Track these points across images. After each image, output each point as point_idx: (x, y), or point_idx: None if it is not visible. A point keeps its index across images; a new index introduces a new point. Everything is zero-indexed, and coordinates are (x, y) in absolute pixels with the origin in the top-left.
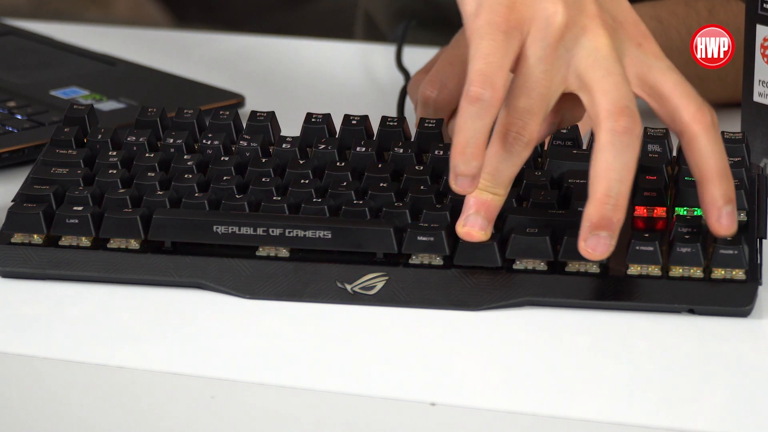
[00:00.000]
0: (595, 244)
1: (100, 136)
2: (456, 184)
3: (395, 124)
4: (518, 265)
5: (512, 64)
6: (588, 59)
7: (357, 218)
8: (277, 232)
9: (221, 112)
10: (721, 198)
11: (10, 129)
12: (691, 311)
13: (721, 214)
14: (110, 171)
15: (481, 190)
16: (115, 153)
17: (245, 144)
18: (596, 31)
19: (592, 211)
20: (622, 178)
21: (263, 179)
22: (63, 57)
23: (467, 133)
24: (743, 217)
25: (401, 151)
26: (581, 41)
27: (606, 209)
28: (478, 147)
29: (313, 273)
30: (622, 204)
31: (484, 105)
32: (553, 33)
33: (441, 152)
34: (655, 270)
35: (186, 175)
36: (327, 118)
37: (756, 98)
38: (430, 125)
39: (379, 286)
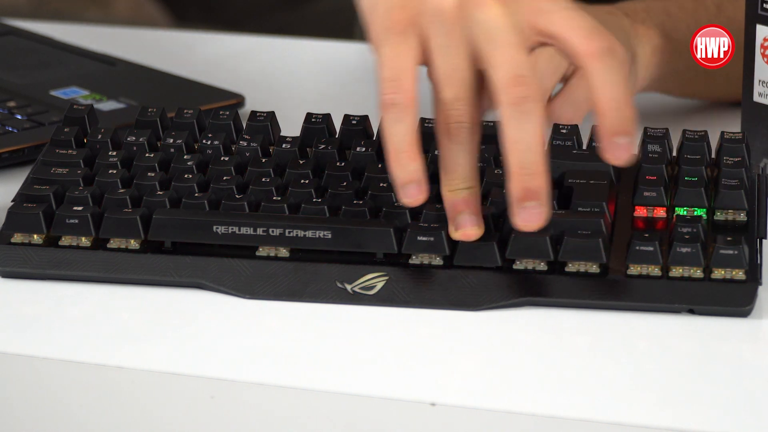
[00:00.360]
0: (526, 216)
1: (100, 136)
2: (406, 196)
3: None
4: (518, 265)
5: (419, 59)
6: (482, 34)
7: (357, 218)
8: (277, 232)
9: (221, 112)
10: (616, 127)
11: (10, 129)
12: (691, 311)
13: (612, 144)
14: (110, 171)
15: (454, 192)
16: (115, 153)
17: (245, 144)
18: (486, 1)
19: (512, 187)
20: (530, 146)
21: (263, 179)
22: (63, 57)
23: (395, 138)
24: (743, 217)
25: None
26: (474, 16)
27: (525, 180)
28: (411, 149)
29: (313, 273)
30: (538, 171)
31: (400, 107)
32: (447, 18)
33: None
34: (655, 270)
35: (186, 175)
36: (327, 118)
37: (756, 98)
38: (430, 125)
39: (379, 286)
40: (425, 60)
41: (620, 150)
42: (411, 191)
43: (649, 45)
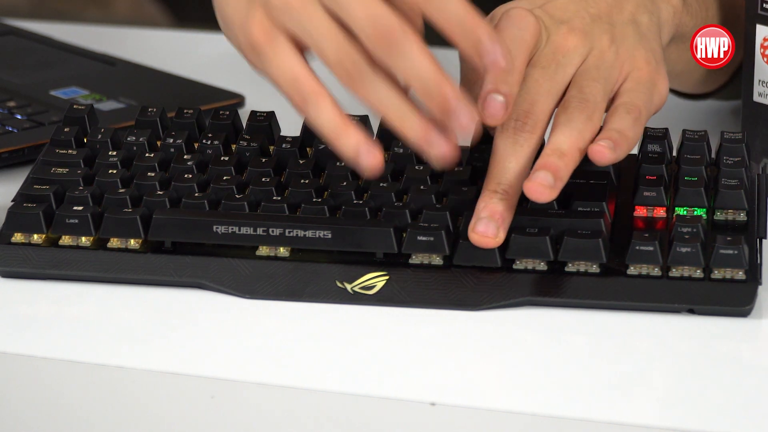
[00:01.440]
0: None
1: (100, 136)
2: (363, 163)
3: None
4: (518, 265)
5: (300, 53)
6: (305, 36)
7: (357, 218)
8: (277, 232)
9: (221, 112)
10: (473, 37)
11: (10, 129)
12: (691, 311)
13: (484, 54)
14: (110, 171)
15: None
16: (115, 153)
17: (245, 144)
18: (299, 4)
19: (430, 108)
20: (424, 72)
21: (263, 179)
22: (63, 57)
23: (327, 125)
24: (743, 216)
25: (401, 150)
26: (299, 24)
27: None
28: (345, 125)
29: (313, 273)
30: (440, 81)
31: (313, 100)
32: (294, 4)
33: None
34: (655, 270)
35: (186, 175)
36: None
37: (756, 98)
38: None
39: (379, 286)
40: (304, 50)
41: (491, 54)
42: (364, 156)
43: (669, 6)
